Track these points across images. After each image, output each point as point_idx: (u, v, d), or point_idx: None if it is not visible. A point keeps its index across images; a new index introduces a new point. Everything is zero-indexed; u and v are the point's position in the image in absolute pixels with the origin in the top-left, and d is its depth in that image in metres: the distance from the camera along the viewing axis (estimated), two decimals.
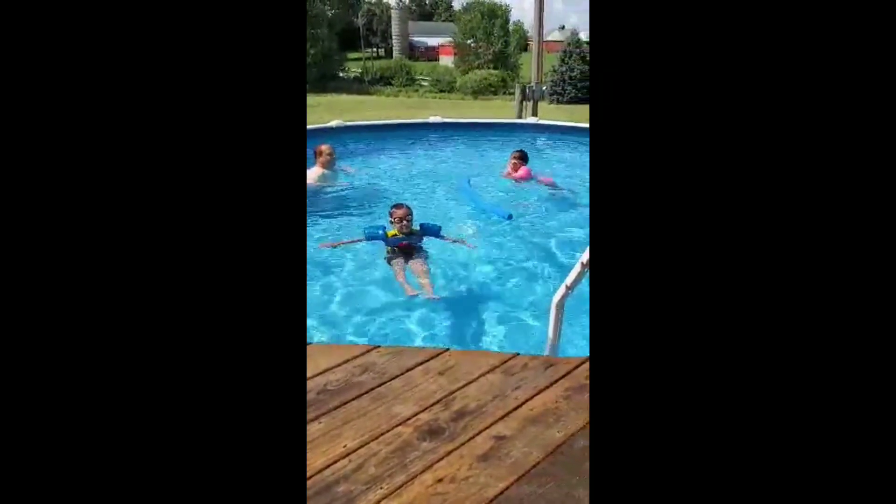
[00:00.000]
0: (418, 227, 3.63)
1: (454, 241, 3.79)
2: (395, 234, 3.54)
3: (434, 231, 3.66)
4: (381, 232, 3.56)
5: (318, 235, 4.12)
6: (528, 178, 5.33)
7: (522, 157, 5.36)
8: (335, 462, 1.32)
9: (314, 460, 1.32)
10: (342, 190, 5.06)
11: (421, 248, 3.63)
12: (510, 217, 4.59)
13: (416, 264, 3.45)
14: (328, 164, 4.87)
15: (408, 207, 3.58)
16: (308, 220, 4.36)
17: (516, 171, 5.32)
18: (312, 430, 1.43)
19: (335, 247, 3.76)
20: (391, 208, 3.63)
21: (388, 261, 3.51)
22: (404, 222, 3.50)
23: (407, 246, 3.56)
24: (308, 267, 3.64)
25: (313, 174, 4.81)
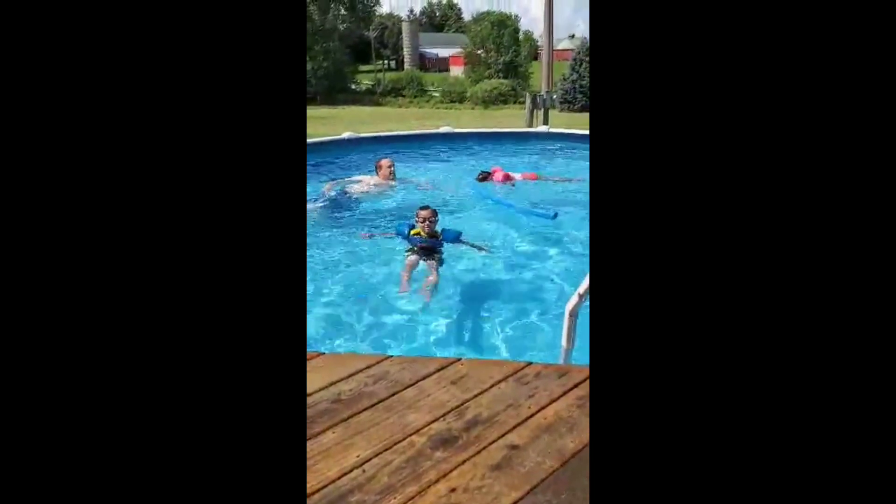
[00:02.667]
0: (440, 231, 3.80)
1: (473, 246, 3.90)
2: (419, 234, 3.71)
3: (454, 236, 3.82)
4: (405, 229, 3.77)
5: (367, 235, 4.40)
6: (506, 179, 5.62)
7: (483, 178, 5.77)
8: (348, 472, 1.32)
9: (327, 470, 1.33)
10: (394, 200, 5.45)
11: (440, 254, 3.74)
12: (555, 216, 4.66)
13: (430, 266, 3.58)
14: (388, 177, 5.48)
15: (433, 210, 3.78)
16: (363, 225, 4.72)
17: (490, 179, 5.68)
18: (326, 439, 1.43)
19: (372, 237, 4.13)
20: (418, 209, 3.83)
21: (407, 257, 3.69)
22: (426, 223, 3.69)
23: (426, 248, 3.69)
24: (324, 265, 3.84)
25: (371, 181, 5.47)
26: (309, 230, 4.34)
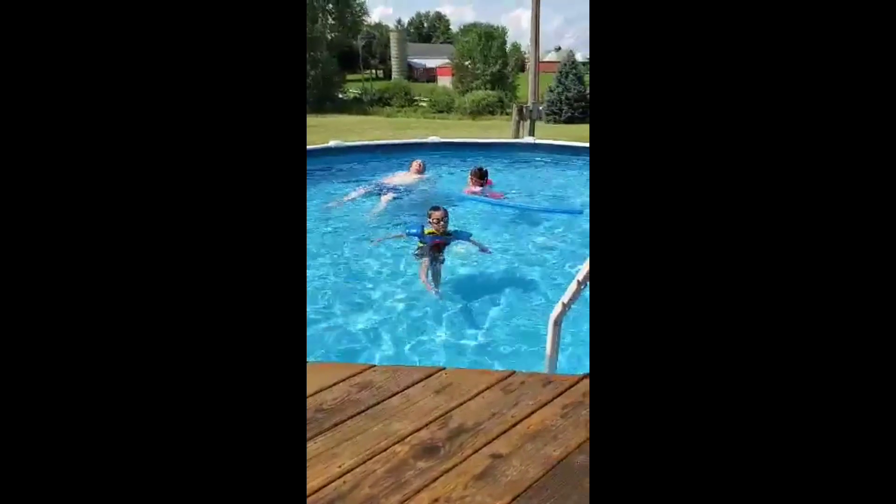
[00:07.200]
0: (453, 231, 3.96)
1: (479, 247, 4.07)
2: (432, 233, 3.86)
3: (465, 236, 4.01)
4: (417, 230, 3.92)
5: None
6: (472, 193, 5.79)
7: (478, 174, 5.85)
8: (331, 482, 1.31)
9: (310, 480, 1.31)
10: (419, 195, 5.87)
11: (449, 250, 3.91)
12: (581, 212, 4.90)
13: (438, 266, 3.76)
14: (419, 171, 6.19)
15: (444, 210, 3.93)
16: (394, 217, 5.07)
17: (473, 186, 5.85)
18: (309, 449, 1.42)
19: (380, 241, 4.27)
20: (429, 210, 3.98)
21: (417, 257, 3.87)
22: (440, 223, 3.85)
23: (438, 245, 3.85)
24: (336, 263, 4.00)
25: (406, 176, 6.12)
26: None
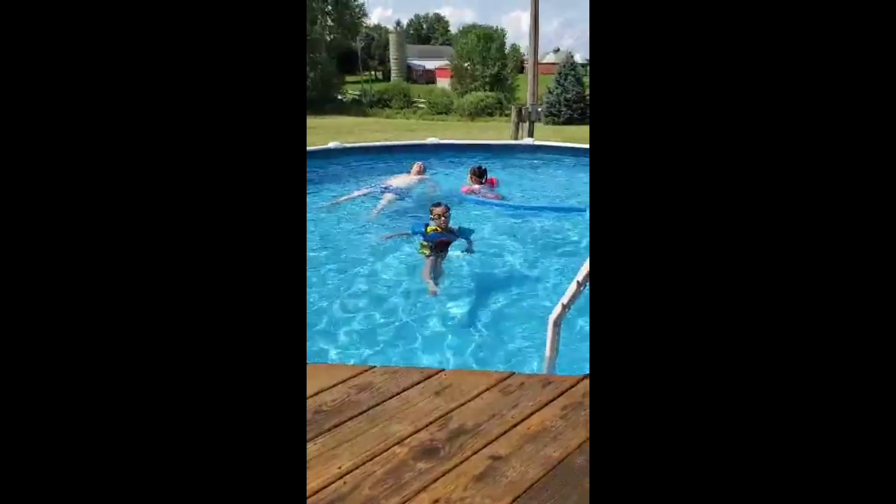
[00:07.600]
0: (456, 228, 3.98)
1: (467, 247, 4.10)
2: (435, 230, 3.89)
3: (468, 234, 4.05)
4: (421, 229, 3.95)
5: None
6: (471, 191, 5.92)
7: (477, 173, 6.02)
8: (330, 483, 1.31)
9: (310, 481, 1.31)
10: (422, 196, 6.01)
11: (446, 253, 3.94)
12: (583, 211, 4.99)
13: (440, 265, 3.80)
14: (420, 173, 6.37)
15: (446, 206, 3.96)
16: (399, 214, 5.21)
17: (472, 185, 5.99)
18: (308, 450, 1.41)
19: (390, 238, 4.36)
20: (431, 206, 4.02)
21: (421, 255, 3.90)
22: (442, 219, 3.87)
23: (442, 243, 3.89)
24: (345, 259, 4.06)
25: (406, 178, 6.27)
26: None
